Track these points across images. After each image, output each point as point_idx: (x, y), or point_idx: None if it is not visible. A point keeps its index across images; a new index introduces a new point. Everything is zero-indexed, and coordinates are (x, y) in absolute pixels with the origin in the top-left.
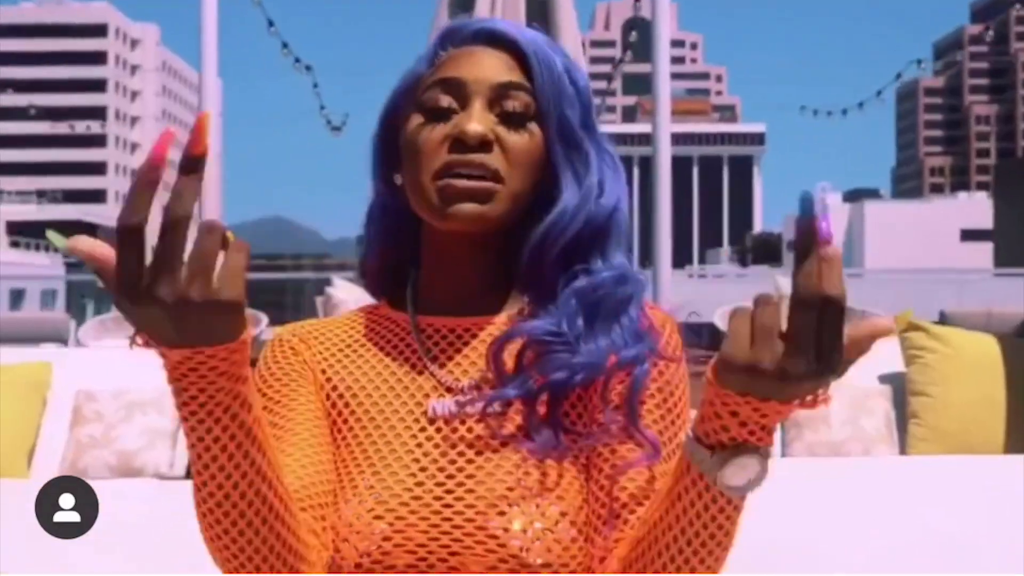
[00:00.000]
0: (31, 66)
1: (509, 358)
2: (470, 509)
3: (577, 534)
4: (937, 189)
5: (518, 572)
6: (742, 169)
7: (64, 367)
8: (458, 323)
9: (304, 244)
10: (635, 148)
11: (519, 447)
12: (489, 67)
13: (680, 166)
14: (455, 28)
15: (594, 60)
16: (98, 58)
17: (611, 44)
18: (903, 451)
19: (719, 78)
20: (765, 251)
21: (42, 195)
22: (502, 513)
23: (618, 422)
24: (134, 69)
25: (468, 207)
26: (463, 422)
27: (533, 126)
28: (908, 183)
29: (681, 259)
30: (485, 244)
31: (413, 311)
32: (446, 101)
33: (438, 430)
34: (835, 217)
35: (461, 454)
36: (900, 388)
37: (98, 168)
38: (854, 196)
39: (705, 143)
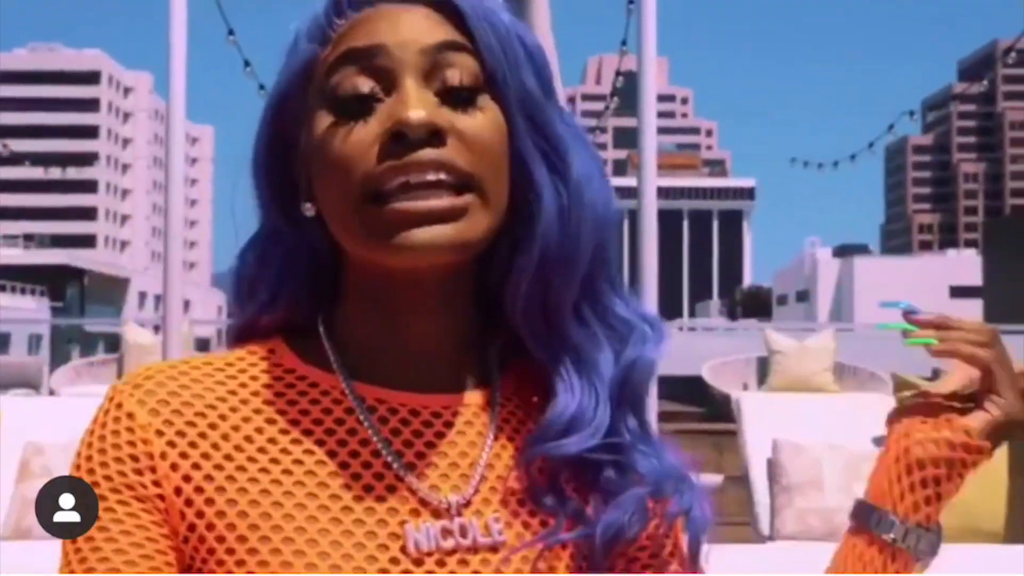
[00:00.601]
0: (22, 112)
1: (539, 477)
2: None
3: None
4: (926, 246)
5: None
6: (732, 223)
7: (15, 417)
8: (423, 402)
9: None
10: (625, 201)
11: None
12: (413, 26)
13: (670, 220)
14: None
15: (585, 114)
16: (91, 105)
17: (603, 98)
18: None
19: (709, 132)
20: (754, 305)
21: (30, 239)
22: None
23: None
24: (126, 116)
25: (432, 232)
26: (452, 552)
27: (486, 101)
28: (897, 239)
29: (671, 312)
30: (455, 281)
31: (347, 378)
32: (366, 85)
33: (417, 562)
34: (824, 272)
35: None
36: None
37: (88, 213)
38: (844, 252)
39: (695, 197)
